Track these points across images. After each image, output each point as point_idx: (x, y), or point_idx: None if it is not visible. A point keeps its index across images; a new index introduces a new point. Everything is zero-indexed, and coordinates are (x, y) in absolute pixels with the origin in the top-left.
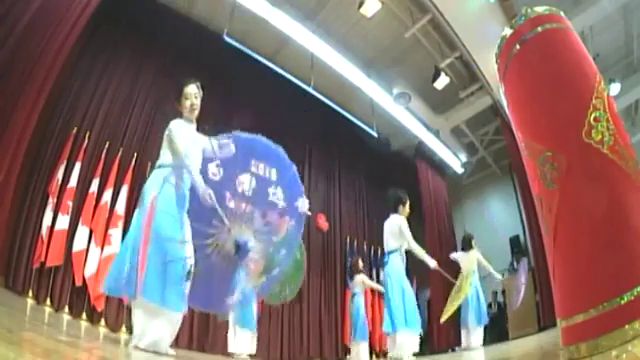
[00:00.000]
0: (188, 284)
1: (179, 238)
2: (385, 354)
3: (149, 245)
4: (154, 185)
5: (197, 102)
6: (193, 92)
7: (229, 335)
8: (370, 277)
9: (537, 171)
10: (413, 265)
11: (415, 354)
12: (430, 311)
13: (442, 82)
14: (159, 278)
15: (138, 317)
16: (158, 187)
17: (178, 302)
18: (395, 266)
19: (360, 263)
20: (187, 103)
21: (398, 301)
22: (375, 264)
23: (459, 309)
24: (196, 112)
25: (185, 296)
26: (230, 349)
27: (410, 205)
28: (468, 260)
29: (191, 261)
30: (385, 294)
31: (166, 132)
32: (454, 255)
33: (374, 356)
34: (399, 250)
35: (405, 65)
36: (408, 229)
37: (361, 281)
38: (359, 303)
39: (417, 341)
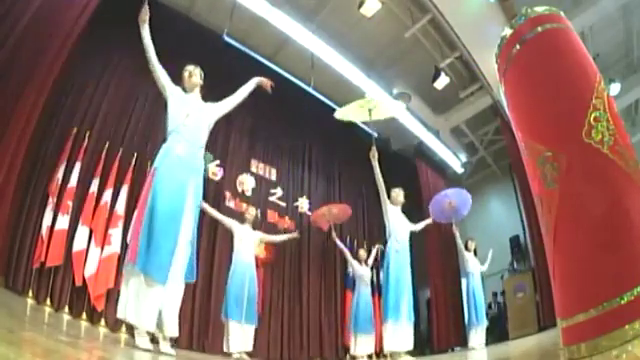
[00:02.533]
0: (181, 257)
1: (176, 208)
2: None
3: (144, 216)
4: (157, 158)
5: (194, 70)
6: (190, 68)
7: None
8: (371, 277)
9: (537, 171)
10: (412, 263)
11: (410, 352)
12: (430, 311)
13: (442, 82)
14: (146, 247)
15: (124, 287)
16: (159, 159)
17: (160, 272)
18: (385, 258)
19: (362, 253)
20: (185, 74)
21: (385, 293)
22: (375, 264)
23: (462, 310)
24: (193, 79)
25: (168, 268)
26: (225, 348)
27: (410, 205)
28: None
29: (186, 236)
30: None
31: None
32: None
33: (374, 355)
34: (388, 240)
35: (405, 65)
36: (385, 207)
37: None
38: (360, 295)
39: (404, 335)
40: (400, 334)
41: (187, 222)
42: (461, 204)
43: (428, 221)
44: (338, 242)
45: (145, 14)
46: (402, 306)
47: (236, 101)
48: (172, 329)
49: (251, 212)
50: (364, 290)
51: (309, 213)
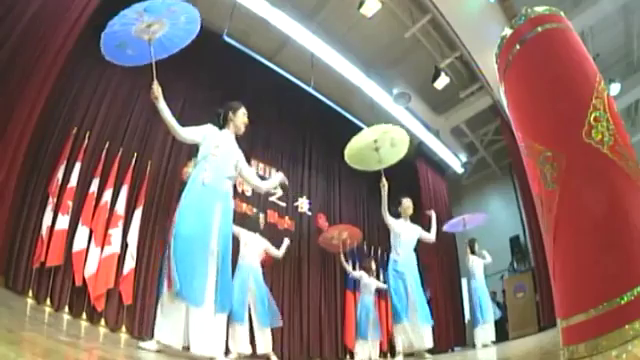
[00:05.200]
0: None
1: (202, 232)
2: (385, 354)
3: (173, 241)
4: (186, 187)
5: (245, 116)
6: (245, 111)
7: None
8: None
9: (537, 171)
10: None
11: (407, 354)
12: (430, 311)
13: (442, 82)
14: (181, 272)
15: (158, 312)
16: (187, 186)
17: (196, 295)
18: (392, 265)
19: (372, 264)
20: (240, 113)
21: (397, 298)
22: (375, 264)
23: (462, 310)
24: (245, 120)
25: (205, 291)
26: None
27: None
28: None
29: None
30: None
31: None
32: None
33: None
34: (392, 247)
35: (405, 65)
36: (391, 225)
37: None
38: (363, 302)
39: (422, 334)
40: (417, 333)
41: (216, 245)
42: (474, 220)
43: (434, 228)
44: (348, 268)
45: (156, 90)
46: (414, 308)
47: (249, 179)
48: (194, 348)
49: (261, 221)
50: (367, 298)
51: (309, 213)
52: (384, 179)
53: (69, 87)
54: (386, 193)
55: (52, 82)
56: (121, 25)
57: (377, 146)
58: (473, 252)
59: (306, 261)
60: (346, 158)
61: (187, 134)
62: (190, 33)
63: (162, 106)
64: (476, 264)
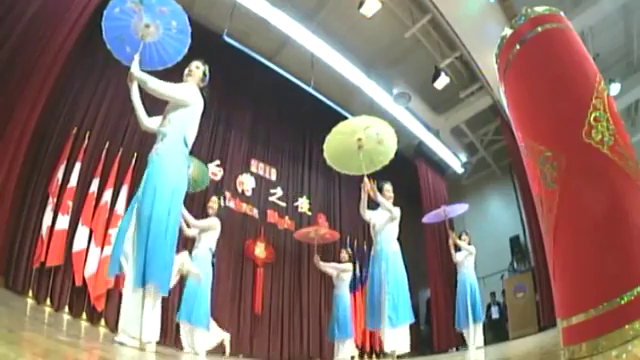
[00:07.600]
0: None
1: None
2: (378, 354)
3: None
4: None
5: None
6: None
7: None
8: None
9: (537, 171)
10: (411, 263)
11: (408, 354)
12: (430, 311)
13: (442, 82)
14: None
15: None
16: None
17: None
18: (392, 259)
19: (343, 255)
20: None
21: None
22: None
23: (454, 311)
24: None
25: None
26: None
27: (410, 204)
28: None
29: None
30: None
31: None
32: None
33: (366, 356)
34: (391, 242)
35: (405, 65)
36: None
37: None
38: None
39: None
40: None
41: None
42: (454, 209)
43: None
44: (321, 265)
45: (131, 77)
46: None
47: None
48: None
49: (214, 205)
50: (335, 292)
51: (309, 213)
52: (366, 179)
53: (69, 87)
54: (366, 194)
55: (52, 82)
56: (121, 12)
57: (360, 144)
58: (459, 247)
59: (306, 261)
60: (329, 161)
61: (150, 123)
62: (184, 43)
63: (134, 91)
64: (467, 261)
